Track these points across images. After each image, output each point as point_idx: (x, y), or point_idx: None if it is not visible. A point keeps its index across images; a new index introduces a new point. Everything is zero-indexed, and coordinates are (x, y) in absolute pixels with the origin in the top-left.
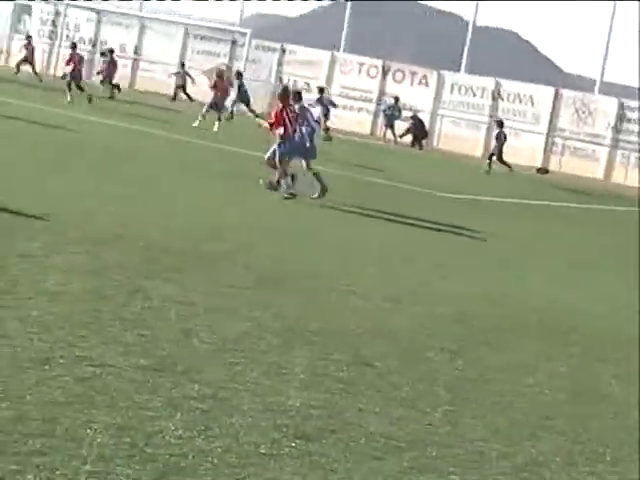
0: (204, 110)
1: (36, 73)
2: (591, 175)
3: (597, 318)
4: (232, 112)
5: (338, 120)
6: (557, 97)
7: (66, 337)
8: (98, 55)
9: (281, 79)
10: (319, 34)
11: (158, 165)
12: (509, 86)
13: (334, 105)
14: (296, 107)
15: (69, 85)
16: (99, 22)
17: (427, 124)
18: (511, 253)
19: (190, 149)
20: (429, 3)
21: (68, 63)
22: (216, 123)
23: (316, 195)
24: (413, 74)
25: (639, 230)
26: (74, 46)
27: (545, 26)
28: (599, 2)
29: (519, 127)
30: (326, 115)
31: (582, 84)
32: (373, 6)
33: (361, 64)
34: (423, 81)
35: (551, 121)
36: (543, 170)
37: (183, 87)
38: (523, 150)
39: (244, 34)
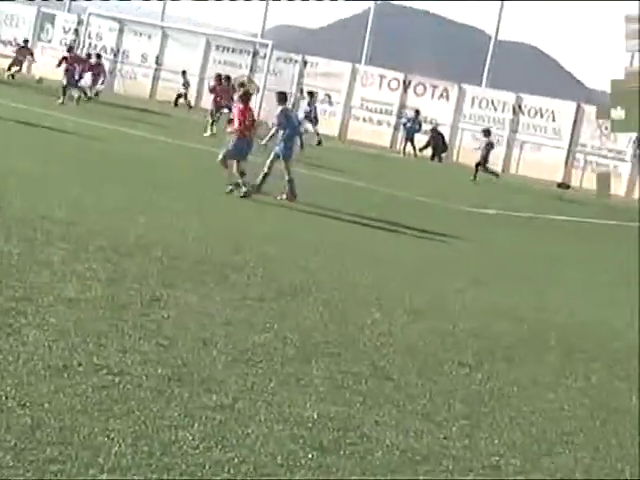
0: (210, 120)
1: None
2: (612, 192)
3: (618, 334)
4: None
5: (358, 132)
6: (579, 112)
7: (84, 345)
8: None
9: (302, 91)
10: (340, 46)
11: (176, 172)
12: (530, 100)
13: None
14: (279, 109)
15: (64, 87)
16: (121, 32)
17: (447, 137)
18: (533, 268)
19: (207, 158)
20: (451, 17)
21: (59, 65)
22: (209, 128)
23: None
24: (434, 87)
25: None
26: (70, 49)
27: (568, 41)
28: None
29: (540, 142)
30: (315, 119)
31: (606, 100)
32: (395, 19)
33: (382, 76)
34: (444, 94)
35: (572, 136)
36: (565, 185)
37: (185, 95)
38: (544, 166)
39: (265, 45)
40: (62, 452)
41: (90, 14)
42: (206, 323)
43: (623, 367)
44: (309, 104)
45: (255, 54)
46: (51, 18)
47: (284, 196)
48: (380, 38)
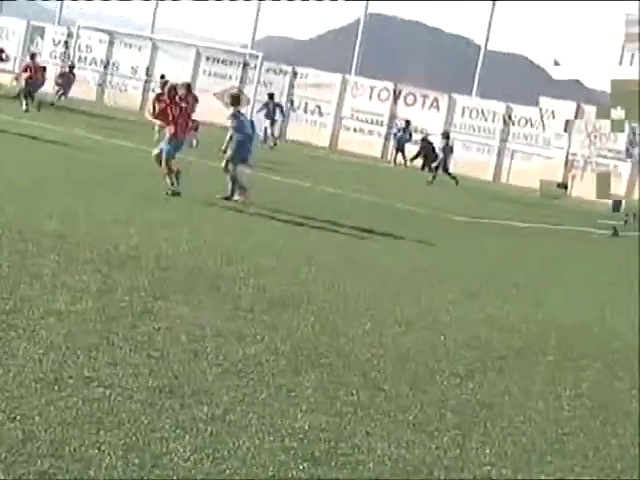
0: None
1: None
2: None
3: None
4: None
5: (348, 143)
6: (568, 123)
7: (75, 358)
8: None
9: (292, 102)
10: (330, 57)
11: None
12: (520, 110)
13: (282, 113)
14: (229, 111)
15: (25, 94)
16: (111, 43)
17: (437, 147)
18: (524, 276)
19: (197, 168)
20: (441, 27)
21: (25, 71)
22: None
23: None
24: (424, 97)
25: None
26: (33, 56)
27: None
28: (615, 28)
29: (530, 151)
30: (273, 122)
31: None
32: (385, 29)
33: (372, 87)
34: (434, 104)
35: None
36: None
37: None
38: (533, 173)
39: (256, 57)
40: (53, 465)
41: (80, 27)
42: (197, 335)
43: (623, 367)
44: (267, 104)
45: (245, 65)
46: (41, 31)
47: (242, 198)
48: (370, 49)
